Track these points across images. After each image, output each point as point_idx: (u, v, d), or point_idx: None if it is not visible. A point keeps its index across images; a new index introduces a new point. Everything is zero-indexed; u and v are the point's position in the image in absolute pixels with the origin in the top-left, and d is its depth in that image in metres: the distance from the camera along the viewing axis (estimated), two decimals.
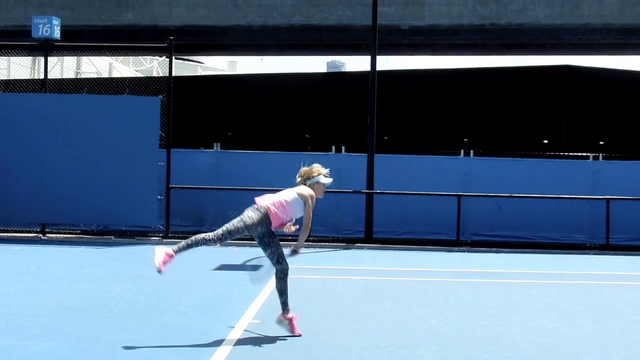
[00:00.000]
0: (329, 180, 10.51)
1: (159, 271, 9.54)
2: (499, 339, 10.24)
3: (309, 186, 10.42)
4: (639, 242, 22.32)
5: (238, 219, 9.93)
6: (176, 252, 9.64)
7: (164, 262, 9.55)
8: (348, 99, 32.66)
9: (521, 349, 9.73)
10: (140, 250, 19.44)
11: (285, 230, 10.50)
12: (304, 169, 10.59)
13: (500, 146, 29.27)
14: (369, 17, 23.49)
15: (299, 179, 10.54)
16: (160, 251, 9.59)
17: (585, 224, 22.62)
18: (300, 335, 10.04)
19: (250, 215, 9.97)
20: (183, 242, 9.72)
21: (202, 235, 9.77)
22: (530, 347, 9.81)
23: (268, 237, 10.14)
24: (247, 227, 9.91)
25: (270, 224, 10.03)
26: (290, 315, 10.21)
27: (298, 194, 10.25)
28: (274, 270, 10.24)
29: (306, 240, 21.64)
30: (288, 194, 10.27)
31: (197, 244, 9.72)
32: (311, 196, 10.28)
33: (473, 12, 29.26)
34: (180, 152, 22.33)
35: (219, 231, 9.80)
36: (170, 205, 21.41)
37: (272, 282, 13.29)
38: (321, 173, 10.46)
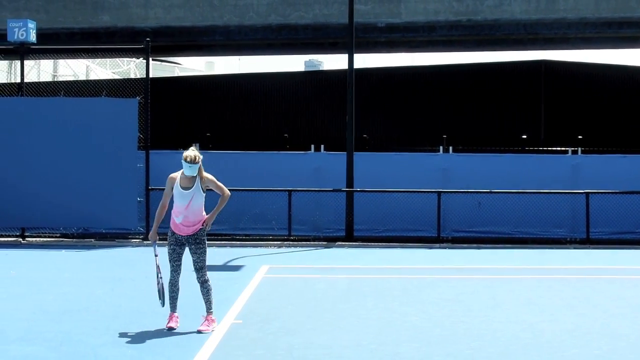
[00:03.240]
0: (186, 169, 10.42)
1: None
2: (480, 334, 10.27)
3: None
4: (619, 236, 22.39)
5: None
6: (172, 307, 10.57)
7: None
8: (326, 98, 32.65)
9: (503, 344, 9.76)
10: (121, 252, 19.37)
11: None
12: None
13: (478, 142, 29.33)
14: (346, 15, 23.47)
15: None
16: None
17: (565, 219, 22.68)
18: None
19: None
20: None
21: None
22: (512, 343, 9.84)
23: None
24: None
25: None
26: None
27: None
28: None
29: (287, 239, 21.70)
30: None
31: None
32: (168, 179, 10.60)
33: (449, 8, 29.28)
34: (159, 153, 22.20)
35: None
36: (150, 207, 21.30)
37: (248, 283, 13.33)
38: (183, 157, 10.45)
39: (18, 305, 12.03)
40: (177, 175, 10.47)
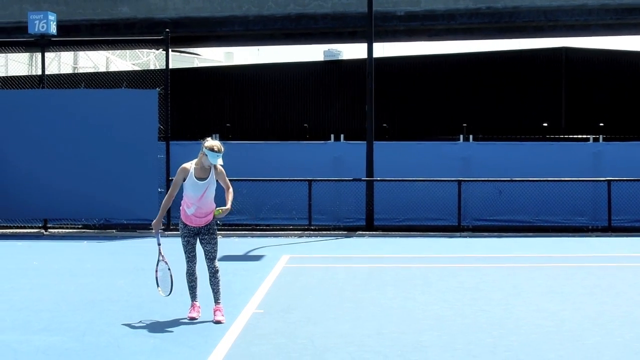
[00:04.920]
0: (213, 158, 10.25)
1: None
2: (502, 323, 10.25)
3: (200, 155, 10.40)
4: None
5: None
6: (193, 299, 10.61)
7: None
8: (346, 87, 32.62)
9: (525, 332, 9.74)
10: (142, 243, 19.45)
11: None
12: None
13: (499, 130, 29.22)
14: (365, 4, 23.41)
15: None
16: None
17: (587, 207, 22.57)
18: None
19: None
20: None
21: None
22: (533, 331, 9.81)
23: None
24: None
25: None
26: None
27: None
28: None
29: (307, 229, 21.71)
30: None
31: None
32: (180, 169, 10.50)
33: None
34: (179, 144, 22.25)
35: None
36: None
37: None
38: (207, 146, 10.25)
39: (41, 295, 12.11)
40: (190, 165, 10.40)
